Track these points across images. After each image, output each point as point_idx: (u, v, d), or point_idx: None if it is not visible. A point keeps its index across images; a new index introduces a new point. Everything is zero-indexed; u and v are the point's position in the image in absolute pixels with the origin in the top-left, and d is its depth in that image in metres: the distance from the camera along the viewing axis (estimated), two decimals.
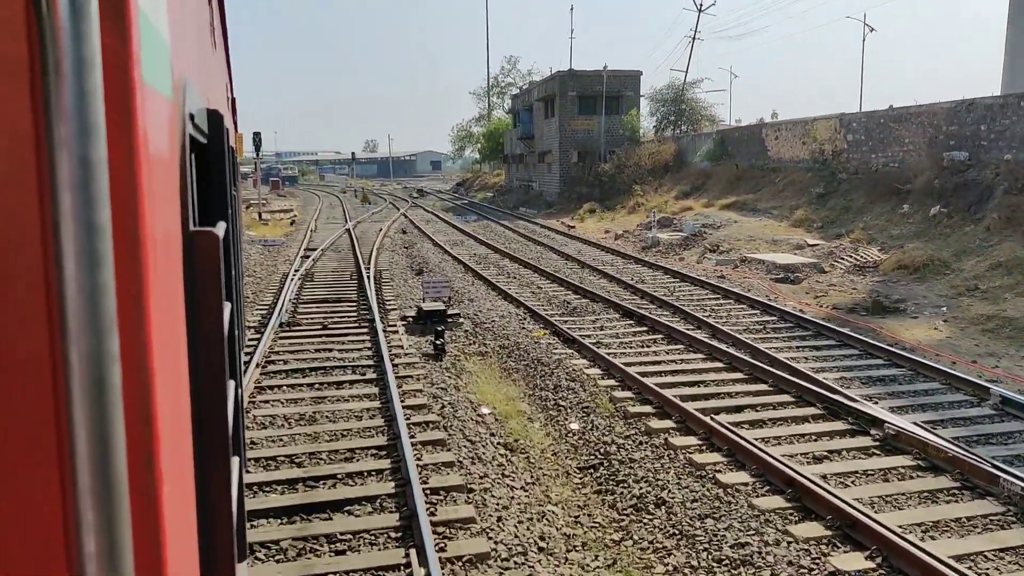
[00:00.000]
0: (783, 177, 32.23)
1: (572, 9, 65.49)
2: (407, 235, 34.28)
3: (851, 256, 22.01)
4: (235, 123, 9.40)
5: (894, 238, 22.72)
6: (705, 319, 15.31)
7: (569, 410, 10.55)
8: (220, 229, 1.65)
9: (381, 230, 35.08)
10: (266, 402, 10.62)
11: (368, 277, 20.61)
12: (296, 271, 22.27)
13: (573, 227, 38.06)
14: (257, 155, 41.31)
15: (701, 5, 49.81)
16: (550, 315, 16.27)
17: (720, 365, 12.23)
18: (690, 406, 10.05)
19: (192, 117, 1.49)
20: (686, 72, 48.38)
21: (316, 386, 11.32)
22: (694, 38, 49.25)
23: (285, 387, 11.30)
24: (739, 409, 10.33)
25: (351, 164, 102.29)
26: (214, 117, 1.97)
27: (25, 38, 0.69)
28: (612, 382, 11.41)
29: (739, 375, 11.72)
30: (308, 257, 25.75)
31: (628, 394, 10.86)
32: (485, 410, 10.61)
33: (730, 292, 18.30)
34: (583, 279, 20.92)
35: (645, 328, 14.96)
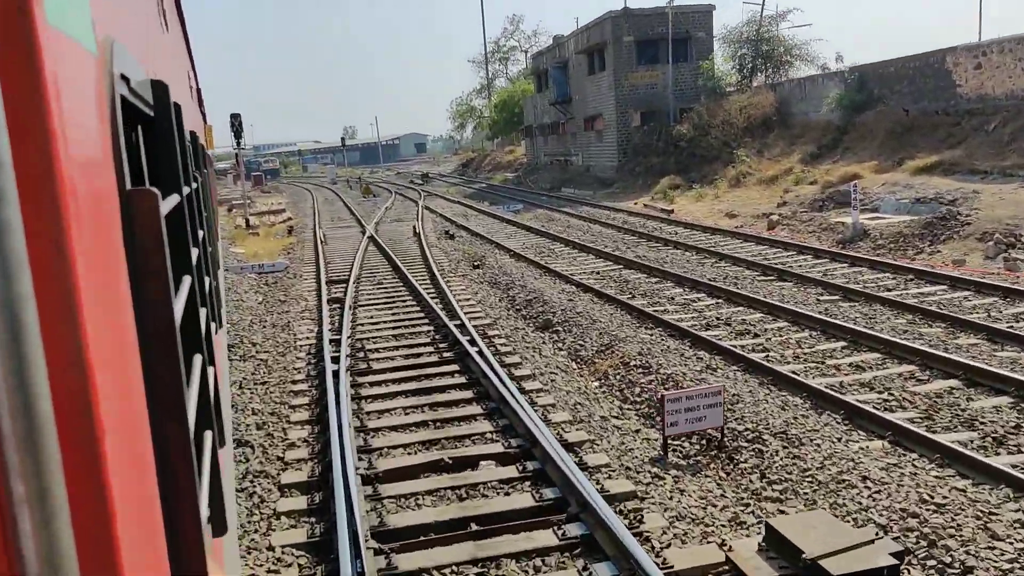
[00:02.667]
0: (1003, 122, 21.62)
1: None
2: (457, 241, 23.55)
3: None
4: (203, 114, 10.37)
5: None
6: None
7: None
8: (171, 200, 1.76)
9: (417, 233, 24.42)
10: None
11: (486, 363, 9.96)
12: (330, 341, 11.58)
13: (671, 211, 27.45)
14: (238, 143, 30.34)
15: None
16: None
17: None
18: None
19: (127, 80, 1.41)
20: (762, 3, 37.54)
21: None
22: None
23: None
24: None
25: (340, 152, 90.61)
26: (159, 88, 1.86)
27: None
28: None
29: None
30: (340, 303, 15.00)
31: None
32: None
33: None
34: (949, 344, 10.24)
35: None
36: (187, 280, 1.88)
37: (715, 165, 32.53)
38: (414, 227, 27.21)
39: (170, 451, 1.35)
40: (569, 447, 7.46)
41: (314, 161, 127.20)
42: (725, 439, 7.43)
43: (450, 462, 7.36)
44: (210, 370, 2.22)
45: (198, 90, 9.19)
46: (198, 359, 1.89)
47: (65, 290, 0.77)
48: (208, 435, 1.91)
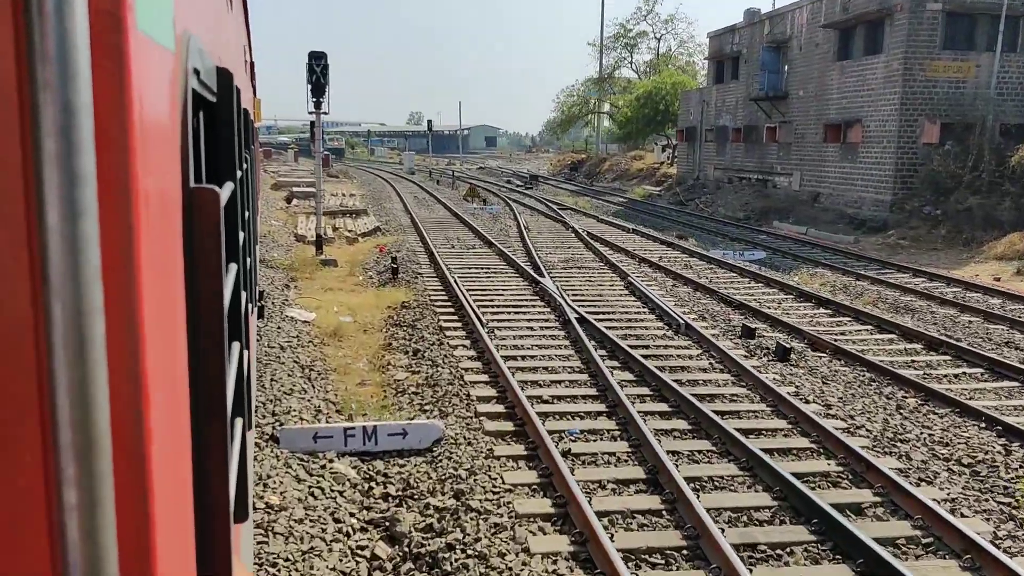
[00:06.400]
0: None
1: None
2: (795, 365, 9.78)
3: None
4: (254, 87, 9.14)
5: None
6: None
7: None
8: (227, 189, 1.68)
9: (672, 322, 10.85)
10: None
11: None
12: None
13: None
14: (318, 103, 16.67)
15: None
16: None
17: None
18: None
19: (197, 73, 1.33)
20: None
21: None
22: None
23: None
24: None
25: (409, 138, 76.90)
26: (224, 76, 1.75)
27: None
28: None
29: None
30: None
31: None
32: None
33: None
34: None
35: None
36: (233, 268, 1.81)
37: None
38: (635, 289, 13.46)
39: (209, 448, 1.27)
40: None
41: (380, 144, 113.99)
42: None
43: None
44: (245, 354, 2.15)
45: (251, 63, 8.28)
46: (236, 347, 1.83)
47: (130, 303, 0.75)
48: (239, 422, 1.86)
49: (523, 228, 23.13)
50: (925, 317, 12.92)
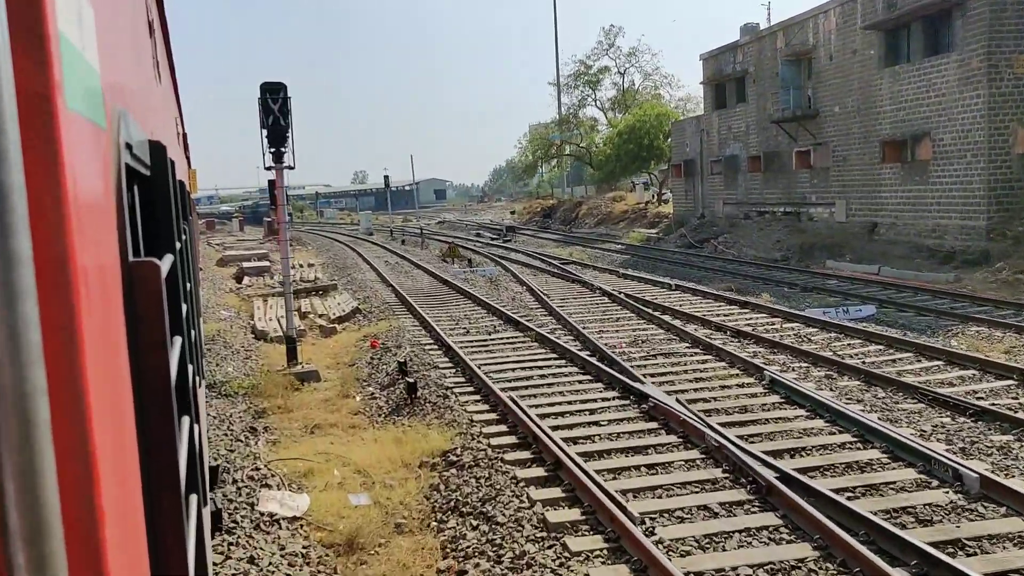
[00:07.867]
0: None
1: None
2: None
3: None
4: (188, 158, 8.94)
5: None
6: None
7: None
8: (167, 261, 1.63)
9: None
10: None
11: None
12: None
13: None
14: (278, 163, 11.46)
15: None
16: None
17: None
18: None
19: (130, 147, 1.34)
20: None
21: None
22: None
23: None
24: None
25: (371, 195, 71.83)
26: (156, 148, 1.75)
27: None
28: None
29: None
30: None
31: None
32: None
33: None
34: None
35: None
36: (178, 340, 1.72)
37: None
38: (790, 393, 8.48)
39: (165, 526, 1.27)
40: None
41: (328, 205, 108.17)
42: None
43: None
44: (195, 428, 2.10)
45: (184, 135, 8.04)
46: (186, 420, 1.77)
47: (74, 382, 0.75)
48: (194, 499, 1.80)
49: (542, 295, 18.16)
50: None
